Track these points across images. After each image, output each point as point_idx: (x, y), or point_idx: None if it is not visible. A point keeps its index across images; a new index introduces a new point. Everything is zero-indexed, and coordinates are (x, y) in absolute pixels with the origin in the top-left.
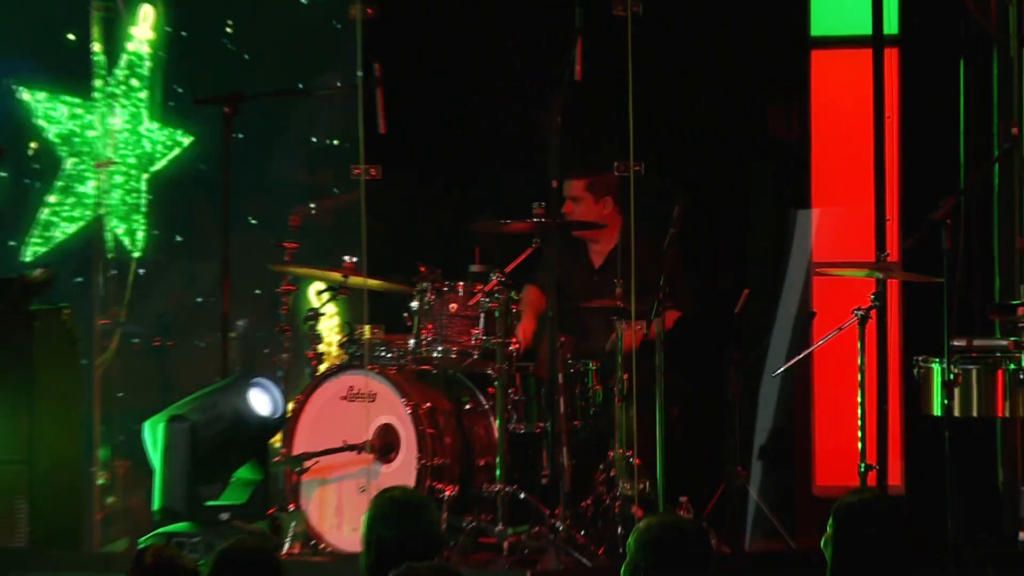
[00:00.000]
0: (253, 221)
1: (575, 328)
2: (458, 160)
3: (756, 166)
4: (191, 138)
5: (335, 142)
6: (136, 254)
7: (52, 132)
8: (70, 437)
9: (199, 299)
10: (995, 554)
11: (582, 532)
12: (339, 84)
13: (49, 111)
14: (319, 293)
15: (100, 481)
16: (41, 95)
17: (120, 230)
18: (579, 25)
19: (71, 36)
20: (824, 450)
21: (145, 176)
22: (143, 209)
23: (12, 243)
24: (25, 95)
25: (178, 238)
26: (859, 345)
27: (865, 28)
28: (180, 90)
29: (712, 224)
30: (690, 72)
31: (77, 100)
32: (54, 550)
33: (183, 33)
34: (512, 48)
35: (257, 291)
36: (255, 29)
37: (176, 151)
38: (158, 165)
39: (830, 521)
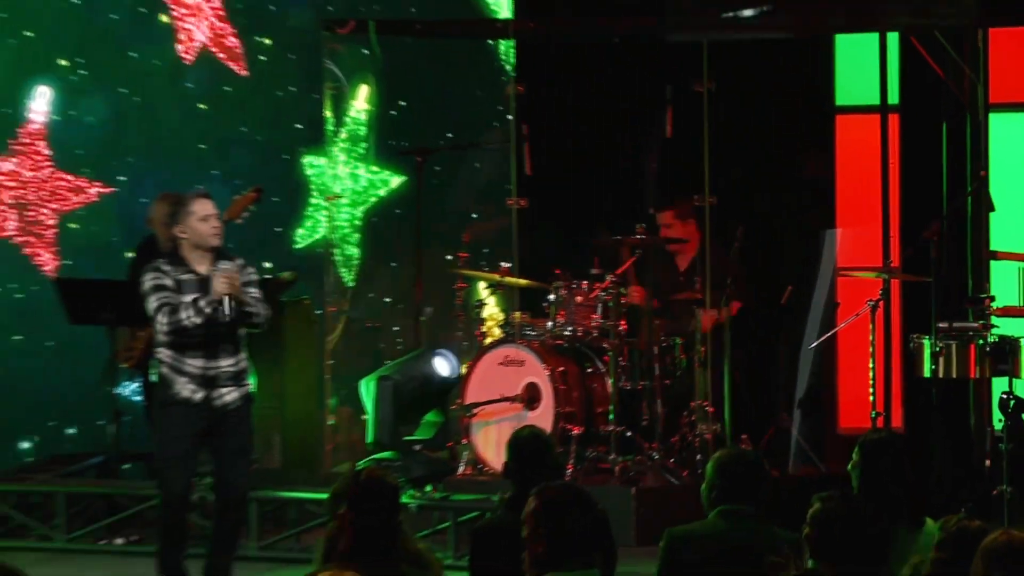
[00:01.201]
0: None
1: (667, 314)
2: (582, 193)
3: (796, 197)
4: (401, 178)
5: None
6: (355, 260)
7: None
8: (309, 391)
9: (394, 299)
10: (967, 480)
11: (672, 460)
12: (498, 139)
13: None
14: (484, 289)
15: (330, 422)
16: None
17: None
18: (669, 98)
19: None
20: (845, 401)
21: (362, 207)
22: (359, 229)
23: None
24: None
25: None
26: (871, 326)
27: (874, 99)
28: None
29: (765, 239)
30: (748, 129)
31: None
32: (298, 470)
33: (389, 102)
34: (621, 112)
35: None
36: (439, 100)
37: (384, 190)
38: (372, 199)
39: (856, 451)
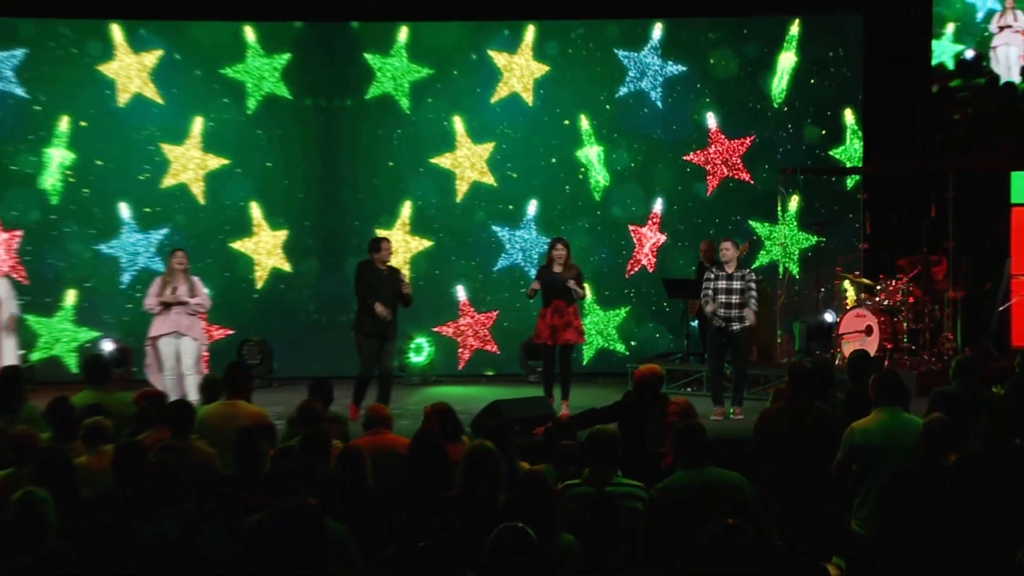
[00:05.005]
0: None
1: (933, 295)
2: (892, 241)
3: (992, 246)
4: (811, 237)
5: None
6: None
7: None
8: (770, 325)
9: (808, 289)
10: None
11: (933, 359)
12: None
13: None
14: (848, 283)
15: (779, 340)
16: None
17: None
18: (933, 198)
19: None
20: (1016, 333)
21: (796, 247)
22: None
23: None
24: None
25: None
26: None
27: None
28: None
29: (977, 262)
30: (969, 213)
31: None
32: (765, 361)
33: (807, 204)
34: (912, 205)
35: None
36: (822, 198)
37: (805, 242)
38: (802, 245)
39: (1019, 355)
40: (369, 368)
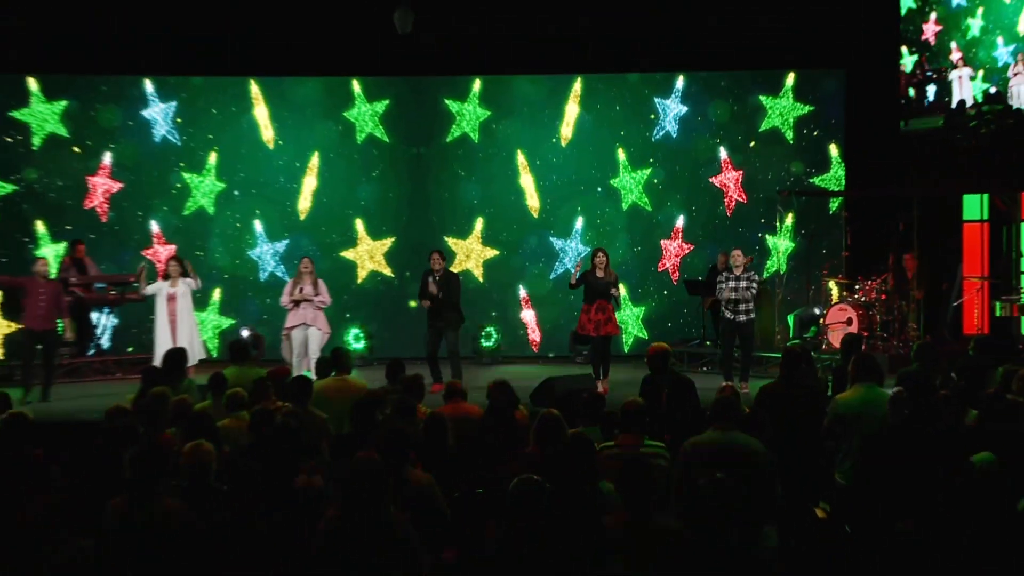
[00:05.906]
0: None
1: (903, 293)
2: (868, 247)
3: (947, 254)
4: (793, 244)
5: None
6: (783, 272)
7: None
8: (771, 318)
9: (799, 287)
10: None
11: (901, 345)
12: None
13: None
14: (832, 283)
15: (777, 334)
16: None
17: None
18: (901, 212)
19: None
20: (967, 324)
21: (785, 255)
22: (786, 263)
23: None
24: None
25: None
26: (976, 298)
27: (977, 216)
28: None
29: (936, 267)
30: (927, 228)
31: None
32: (768, 346)
33: (800, 220)
34: (886, 220)
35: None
36: (814, 214)
37: (791, 250)
38: (788, 252)
39: (972, 342)
40: (428, 347)
